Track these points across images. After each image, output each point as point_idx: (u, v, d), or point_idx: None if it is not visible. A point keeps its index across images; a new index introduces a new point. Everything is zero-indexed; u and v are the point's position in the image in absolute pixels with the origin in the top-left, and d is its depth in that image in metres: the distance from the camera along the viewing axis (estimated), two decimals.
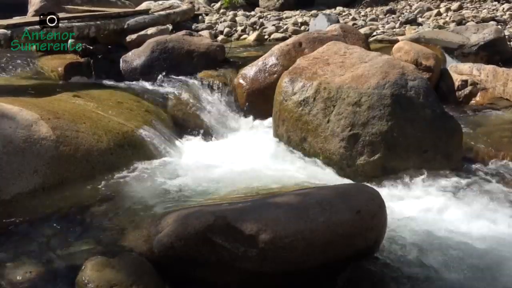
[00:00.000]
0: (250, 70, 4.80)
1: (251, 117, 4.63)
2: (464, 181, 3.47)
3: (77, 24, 5.17)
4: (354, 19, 7.60)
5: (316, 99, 3.80)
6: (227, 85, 4.88)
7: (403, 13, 7.89)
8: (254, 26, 7.22)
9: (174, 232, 2.34)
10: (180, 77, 4.90)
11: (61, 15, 5.20)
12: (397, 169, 3.54)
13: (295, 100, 3.90)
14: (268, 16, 8.11)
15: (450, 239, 2.74)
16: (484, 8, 7.96)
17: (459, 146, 3.74)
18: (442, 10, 7.91)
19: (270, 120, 4.31)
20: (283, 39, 6.06)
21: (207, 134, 4.45)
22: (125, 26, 5.65)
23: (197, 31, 6.51)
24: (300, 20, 7.44)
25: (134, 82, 4.90)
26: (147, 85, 4.83)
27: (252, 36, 6.76)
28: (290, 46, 4.81)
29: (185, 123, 4.49)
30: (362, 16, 7.88)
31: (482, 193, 3.32)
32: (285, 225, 2.26)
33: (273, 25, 7.15)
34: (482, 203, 3.18)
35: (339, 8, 8.64)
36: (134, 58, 5.12)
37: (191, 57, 5.10)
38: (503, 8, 7.83)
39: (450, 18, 7.29)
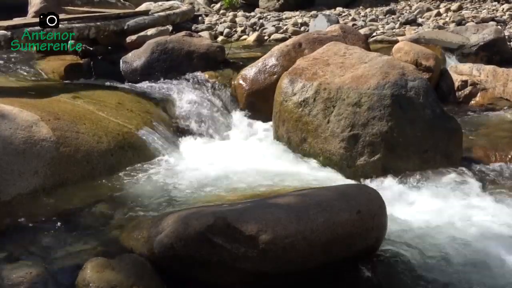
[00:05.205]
0: (250, 71, 4.80)
1: (251, 118, 4.63)
2: (464, 181, 3.47)
3: (77, 25, 5.18)
4: (354, 19, 7.60)
5: (316, 99, 3.80)
6: (227, 86, 4.88)
7: (403, 14, 7.90)
8: (254, 26, 7.22)
9: (174, 232, 2.34)
10: (180, 78, 4.90)
11: (61, 16, 5.20)
12: (397, 169, 3.54)
13: (295, 100, 3.90)
14: (268, 16, 8.11)
15: (451, 239, 2.74)
16: (484, 9, 7.96)
17: (459, 146, 3.74)
18: (442, 10, 7.92)
19: (270, 120, 4.32)
20: (283, 39, 6.05)
21: (207, 134, 4.44)
22: (125, 27, 5.65)
23: (197, 32, 6.51)
24: (300, 20, 7.44)
25: (134, 83, 4.90)
26: (147, 86, 4.82)
27: (252, 37, 6.76)
28: (290, 47, 4.81)
29: (185, 124, 4.48)
30: (362, 16, 7.88)
31: (482, 193, 3.32)
32: (286, 225, 2.26)
33: (273, 25, 7.14)
34: (483, 203, 3.18)
35: (339, 9, 8.65)
36: (134, 59, 5.12)
37: (191, 58, 5.10)
38: (503, 8, 7.84)
39: (450, 19, 7.29)
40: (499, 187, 3.41)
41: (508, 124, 4.33)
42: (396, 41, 5.73)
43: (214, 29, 7.10)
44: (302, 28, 6.99)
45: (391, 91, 3.60)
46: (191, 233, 2.30)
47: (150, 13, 6.15)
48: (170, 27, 6.01)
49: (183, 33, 5.48)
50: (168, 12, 6.37)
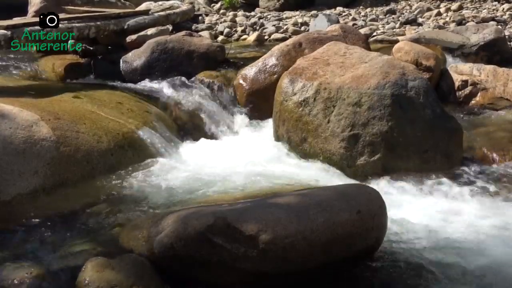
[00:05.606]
0: (250, 71, 4.80)
1: (251, 118, 4.62)
2: (464, 181, 3.47)
3: (77, 24, 5.17)
4: (354, 19, 7.59)
5: (316, 99, 3.80)
6: (227, 86, 4.88)
7: (403, 13, 7.89)
8: (254, 26, 7.22)
9: (174, 232, 2.34)
10: (180, 78, 4.90)
11: (61, 15, 5.19)
12: (397, 169, 3.55)
13: (295, 100, 3.90)
14: (268, 16, 8.11)
15: (451, 239, 2.74)
16: (484, 8, 7.95)
17: (459, 146, 3.75)
18: (442, 10, 7.91)
19: (270, 120, 4.31)
20: (283, 39, 6.05)
21: (207, 134, 4.44)
22: (125, 27, 5.65)
23: (197, 31, 6.51)
24: (300, 20, 7.44)
25: (134, 83, 4.90)
26: (147, 85, 4.83)
27: (252, 37, 6.75)
28: (290, 47, 4.81)
29: (185, 124, 4.48)
30: (362, 16, 7.88)
31: (482, 193, 3.32)
32: (286, 225, 2.26)
33: (273, 25, 7.14)
34: (483, 203, 3.18)
35: (339, 9, 8.64)
36: (134, 58, 5.12)
37: (191, 58, 5.10)
38: (503, 8, 7.83)
39: (450, 18, 7.28)
40: (499, 187, 3.40)
41: (508, 124, 4.33)
42: (396, 41, 5.72)
43: (214, 28, 7.10)
44: (302, 28, 6.99)
45: (391, 91, 3.60)
46: (191, 233, 2.30)
47: (150, 12, 6.15)
48: (170, 27, 6.01)
49: (183, 32, 5.48)
50: (168, 11, 6.37)
